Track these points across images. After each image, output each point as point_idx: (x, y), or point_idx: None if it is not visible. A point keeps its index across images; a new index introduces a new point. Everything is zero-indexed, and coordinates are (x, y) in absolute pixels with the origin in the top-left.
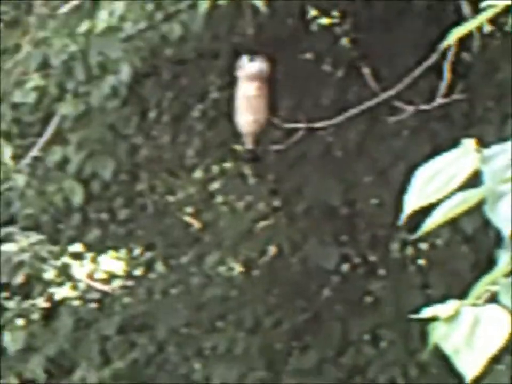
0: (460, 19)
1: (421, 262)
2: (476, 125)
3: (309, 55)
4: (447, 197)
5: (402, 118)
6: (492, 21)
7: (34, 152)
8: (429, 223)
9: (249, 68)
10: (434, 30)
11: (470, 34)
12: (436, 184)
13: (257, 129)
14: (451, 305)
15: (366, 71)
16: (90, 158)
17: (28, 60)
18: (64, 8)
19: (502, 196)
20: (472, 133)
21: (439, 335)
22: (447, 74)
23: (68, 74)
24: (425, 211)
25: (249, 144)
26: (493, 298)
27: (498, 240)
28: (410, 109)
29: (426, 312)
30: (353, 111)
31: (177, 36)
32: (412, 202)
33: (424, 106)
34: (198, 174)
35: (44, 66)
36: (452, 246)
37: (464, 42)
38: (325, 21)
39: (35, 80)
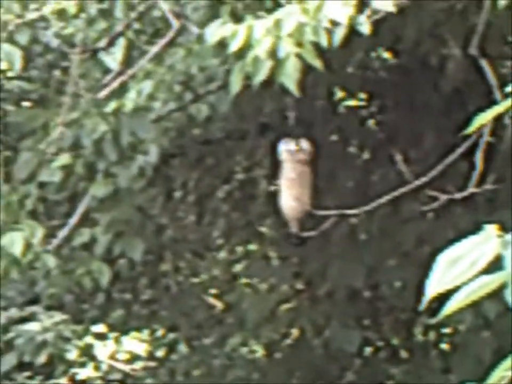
0: (488, 104)
1: (443, 346)
2: (499, 210)
3: (335, 137)
4: (468, 282)
5: (435, 207)
6: None
7: (65, 232)
8: (450, 306)
9: (291, 150)
10: (460, 114)
11: (500, 119)
12: (458, 270)
13: (301, 214)
14: None
15: (398, 157)
16: (118, 239)
17: (60, 140)
18: (105, 91)
19: None
20: (496, 218)
21: None
22: (479, 163)
23: (99, 155)
24: (448, 295)
25: (294, 228)
26: None
27: None
28: (443, 197)
29: None
30: (384, 199)
31: (204, 116)
32: (433, 287)
33: (457, 195)
34: (222, 255)
35: (75, 147)
36: (474, 331)
37: (495, 128)
38: (351, 103)
39: (62, 159)
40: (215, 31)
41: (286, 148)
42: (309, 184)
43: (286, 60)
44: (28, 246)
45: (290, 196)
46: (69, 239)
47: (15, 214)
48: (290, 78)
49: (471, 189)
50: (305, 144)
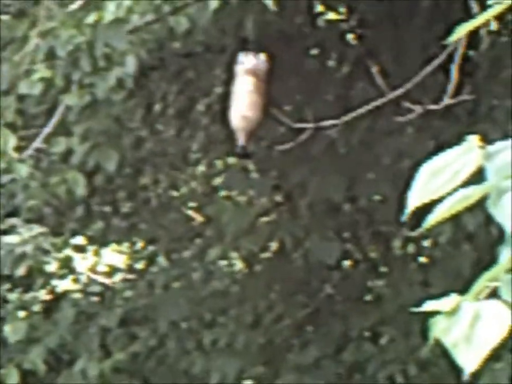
0: (467, 17)
1: (423, 259)
2: (480, 123)
3: (314, 51)
4: (450, 194)
5: (410, 118)
6: (499, 18)
7: (38, 143)
8: (431, 220)
9: (247, 63)
10: (441, 27)
11: (476, 32)
12: (440, 181)
13: (250, 126)
14: (452, 300)
15: (374, 69)
16: (94, 150)
17: (35, 51)
18: (74, 5)
19: (505, 192)
20: (477, 131)
21: (439, 329)
22: (454, 75)
23: (74, 66)
24: (428, 208)
25: (241, 140)
26: (494, 294)
27: (500, 237)
28: (418, 109)
29: (427, 306)
30: (360, 110)
31: (184, 29)
32: (415, 198)
33: (432, 107)
34: (201, 168)
35: (51, 57)
36: (453, 243)
37: (471, 41)
38: (331, 16)
39: (41, 71)
40: None
41: (238, 59)
42: (260, 97)
43: None
44: (1, 154)
45: (239, 107)
46: (47, 152)
47: None
48: None
49: (446, 100)
50: (262, 57)
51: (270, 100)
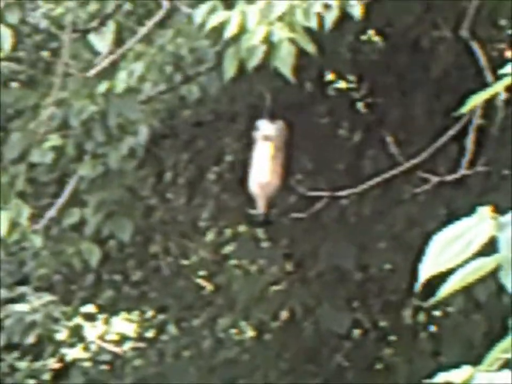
0: (478, 87)
1: (433, 329)
2: (491, 192)
3: (325, 119)
4: (462, 264)
5: (427, 189)
6: (509, 88)
7: (52, 212)
8: (445, 290)
9: (266, 130)
10: (450, 97)
11: (490, 103)
12: (452, 251)
13: (270, 193)
14: (465, 371)
15: (388, 139)
16: (108, 220)
17: (49, 120)
18: (93, 71)
19: None
20: (488, 200)
21: None
22: (470, 145)
23: (87, 136)
24: (438, 278)
25: (261, 208)
26: (506, 366)
27: (511, 309)
28: (434, 179)
29: (440, 378)
30: (377, 179)
31: (195, 98)
32: (427, 269)
33: (448, 178)
34: (211, 236)
35: (64, 127)
36: (464, 313)
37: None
38: (341, 85)
39: (53, 140)
40: (205, 15)
41: (261, 127)
42: (281, 164)
43: (280, 44)
44: (14, 225)
45: (259, 173)
46: (59, 221)
47: (5, 195)
48: (284, 62)
49: (463, 171)
50: (280, 126)
51: (288, 167)
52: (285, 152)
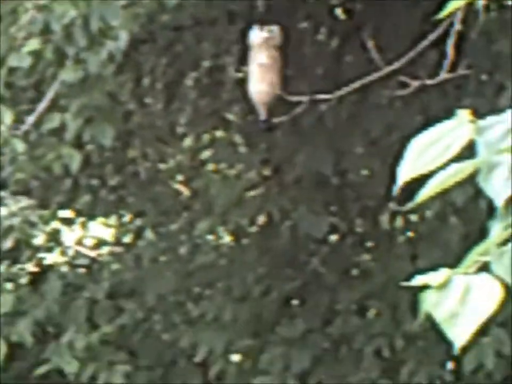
0: None
1: (410, 233)
2: (468, 97)
3: (304, 24)
4: (440, 168)
5: (405, 94)
6: None
7: (34, 117)
8: (423, 194)
9: (260, 36)
10: (429, 3)
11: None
12: (430, 155)
13: (271, 99)
14: (442, 274)
15: (369, 44)
16: (88, 125)
17: (30, 24)
18: None
19: (496, 166)
20: (465, 105)
21: (430, 303)
22: (450, 50)
23: (68, 40)
24: (414, 182)
25: (263, 115)
26: (484, 268)
27: (489, 212)
28: (415, 84)
29: (417, 280)
30: (355, 85)
31: (174, 3)
32: (405, 173)
33: (429, 82)
34: (189, 141)
35: (46, 32)
36: (441, 217)
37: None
38: None
39: (32, 45)
40: None
41: (258, 33)
42: (279, 70)
43: None
44: None
45: (260, 81)
46: (38, 125)
47: None
48: None
49: (443, 75)
50: (276, 30)
51: (284, 72)
52: (282, 56)
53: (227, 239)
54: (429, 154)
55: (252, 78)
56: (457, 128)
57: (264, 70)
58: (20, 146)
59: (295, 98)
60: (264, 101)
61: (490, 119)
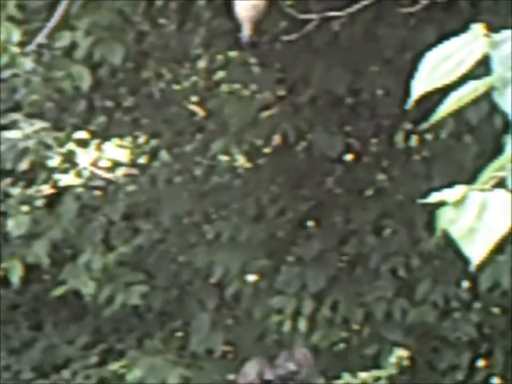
0: None
1: (425, 152)
2: (483, 15)
3: None
4: (454, 83)
5: (418, 11)
6: None
7: (42, 36)
8: (438, 113)
9: None
10: None
11: None
12: (445, 69)
13: (256, 15)
14: (458, 190)
15: None
16: (99, 44)
17: None
18: None
19: (511, 82)
20: (479, 22)
21: (446, 220)
22: None
23: None
24: (429, 101)
25: (247, 30)
26: (500, 184)
27: (504, 129)
28: (425, 1)
29: (433, 197)
30: (364, 2)
31: None
32: (419, 87)
33: None
34: (203, 62)
35: None
36: (456, 136)
37: None
38: None
39: None
40: None
41: None
42: None
43: None
44: (5, 49)
45: None
46: (49, 46)
47: None
48: None
49: None
50: None
51: None
52: None
53: (242, 159)
54: (443, 68)
55: None
56: (471, 42)
57: None
58: (28, 64)
59: (305, 16)
60: (248, 16)
61: (504, 33)
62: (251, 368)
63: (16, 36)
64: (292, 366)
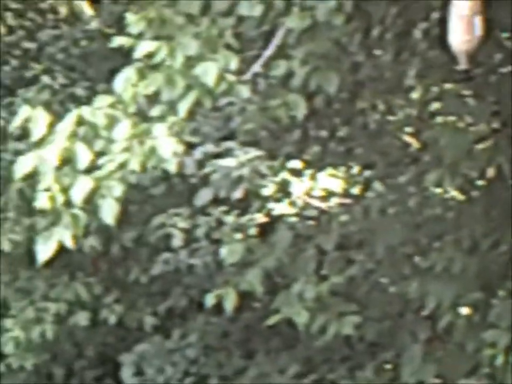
0: None
1: None
2: None
3: None
4: None
5: None
6: None
7: (259, 64)
8: None
9: None
10: None
11: None
12: None
13: (472, 48)
14: None
15: None
16: (314, 73)
17: None
18: None
19: None
20: None
21: None
22: None
23: None
24: None
25: (463, 64)
26: None
27: None
28: None
29: None
30: None
31: None
32: None
33: None
34: (418, 93)
35: None
36: None
37: None
38: None
39: None
40: None
41: None
42: (479, 20)
43: None
44: (222, 77)
45: (459, 30)
46: (266, 75)
47: (213, 46)
48: None
49: None
50: None
51: (489, 21)
52: (483, 4)
53: (455, 191)
54: None
55: (452, 28)
56: None
57: (463, 20)
58: (245, 92)
59: None
60: (463, 50)
61: None
62: None
63: (234, 64)
64: None
